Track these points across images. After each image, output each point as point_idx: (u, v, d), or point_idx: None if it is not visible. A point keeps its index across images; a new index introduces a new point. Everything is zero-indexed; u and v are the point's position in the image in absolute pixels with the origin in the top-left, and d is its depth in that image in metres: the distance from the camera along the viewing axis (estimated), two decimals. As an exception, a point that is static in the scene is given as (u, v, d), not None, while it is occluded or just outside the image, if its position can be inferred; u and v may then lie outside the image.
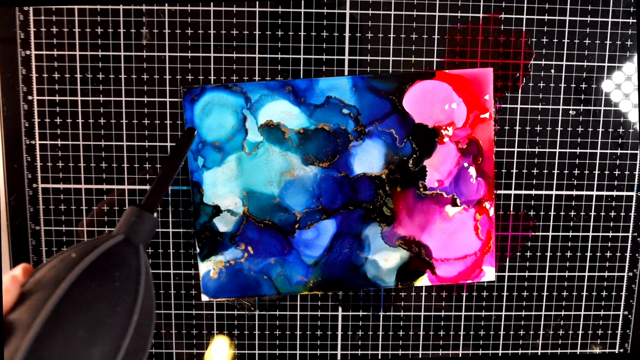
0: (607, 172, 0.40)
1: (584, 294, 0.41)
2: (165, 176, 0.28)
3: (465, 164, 0.39)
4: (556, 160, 0.39)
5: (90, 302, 0.20)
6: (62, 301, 0.20)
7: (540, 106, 0.39)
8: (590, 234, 0.40)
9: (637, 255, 0.41)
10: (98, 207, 0.38)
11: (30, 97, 0.38)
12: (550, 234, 0.40)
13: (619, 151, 0.39)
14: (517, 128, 0.39)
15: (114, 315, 0.21)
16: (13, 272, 0.22)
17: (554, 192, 0.40)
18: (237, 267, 0.39)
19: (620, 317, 0.42)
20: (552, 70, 0.38)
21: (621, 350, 0.42)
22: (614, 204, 0.40)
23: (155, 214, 0.26)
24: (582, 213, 0.40)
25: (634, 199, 0.40)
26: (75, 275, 0.21)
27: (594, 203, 0.40)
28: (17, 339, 0.19)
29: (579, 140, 0.39)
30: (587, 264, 0.41)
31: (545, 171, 0.39)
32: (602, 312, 0.42)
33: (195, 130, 0.34)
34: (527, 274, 0.41)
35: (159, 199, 0.27)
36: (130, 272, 0.23)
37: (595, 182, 0.40)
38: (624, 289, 0.41)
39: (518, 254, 0.40)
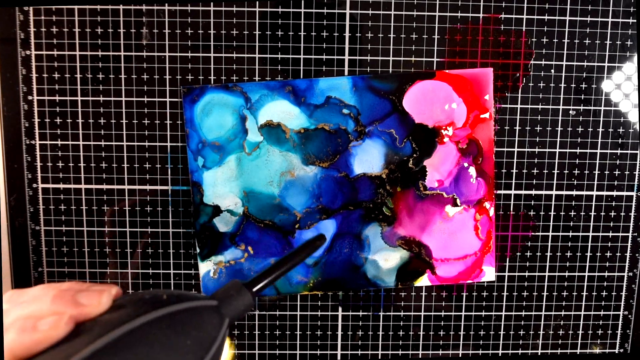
0: (607, 172, 0.40)
1: (584, 294, 0.41)
2: (280, 267, 0.28)
3: (465, 164, 0.39)
4: (556, 160, 0.39)
5: (157, 345, 0.20)
6: (133, 331, 0.20)
7: (540, 106, 0.39)
8: (590, 234, 0.40)
9: (637, 255, 0.41)
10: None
11: (30, 97, 0.38)
12: (550, 234, 0.40)
13: (619, 151, 0.39)
14: (517, 128, 0.39)
15: None
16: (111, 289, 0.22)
17: (554, 192, 0.40)
18: (237, 267, 0.39)
19: (620, 317, 0.42)
20: (552, 70, 0.38)
21: (621, 350, 0.42)
22: (614, 204, 0.40)
23: (254, 297, 0.26)
24: (582, 213, 0.40)
25: (634, 199, 0.40)
26: (157, 315, 0.21)
27: (594, 203, 0.40)
28: (78, 343, 0.19)
29: (579, 140, 0.39)
30: (587, 264, 0.41)
31: (545, 171, 0.39)
32: (602, 312, 0.42)
33: (325, 239, 0.34)
34: (527, 274, 0.41)
35: (264, 285, 0.27)
36: (205, 338, 0.22)
37: (595, 182, 0.40)
38: (624, 289, 0.41)
39: (518, 254, 0.40)
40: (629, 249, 0.41)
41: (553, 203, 0.40)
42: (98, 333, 0.19)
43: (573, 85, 0.39)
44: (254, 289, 0.26)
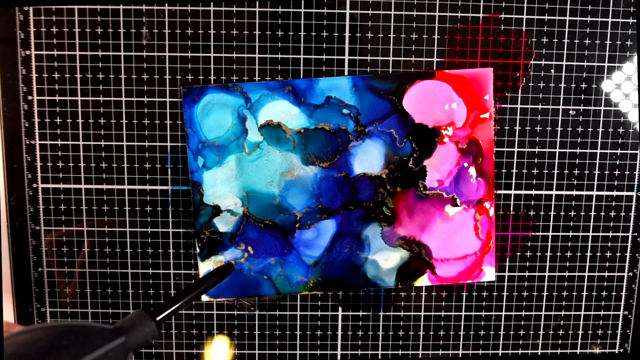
0: (607, 172, 0.40)
1: (584, 294, 0.41)
2: (185, 296, 0.29)
3: (465, 164, 0.39)
4: (556, 160, 0.39)
5: None
6: None
7: (540, 106, 0.39)
8: (590, 234, 0.40)
9: (637, 255, 0.41)
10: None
11: (30, 97, 0.38)
12: (550, 234, 0.40)
13: (619, 151, 0.39)
14: (517, 128, 0.39)
15: None
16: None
17: (554, 192, 0.40)
18: (237, 267, 0.39)
19: (620, 317, 0.42)
20: (552, 70, 0.38)
21: (621, 350, 0.42)
22: (614, 204, 0.40)
23: (158, 326, 0.26)
24: (582, 213, 0.40)
25: (634, 199, 0.40)
26: None
27: (594, 203, 0.40)
28: None
29: (579, 140, 0.39)
30: (587, 264, 0.41)
31: (545, 171, 0.39)
32: (602, 312, 0.42)
33: (233, 268, 0.36)
34: (527, 274, 0.41)
35: (169, 314, 0.27)
36: None
37: (595, 182, 0.40)
38: (624, 289, 0.41)
39: (518, 254, 0.40)
40: (629, 249, 0.41)
41: (553, 203, 0.40)
42: None
43: (573, 85, 0.39)
44: (158, 318, 0.26)
